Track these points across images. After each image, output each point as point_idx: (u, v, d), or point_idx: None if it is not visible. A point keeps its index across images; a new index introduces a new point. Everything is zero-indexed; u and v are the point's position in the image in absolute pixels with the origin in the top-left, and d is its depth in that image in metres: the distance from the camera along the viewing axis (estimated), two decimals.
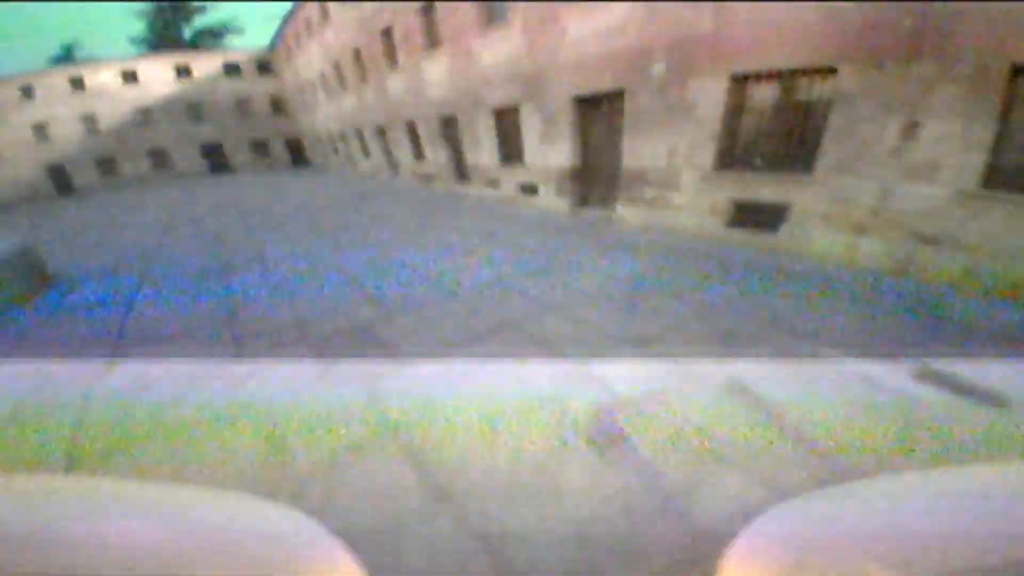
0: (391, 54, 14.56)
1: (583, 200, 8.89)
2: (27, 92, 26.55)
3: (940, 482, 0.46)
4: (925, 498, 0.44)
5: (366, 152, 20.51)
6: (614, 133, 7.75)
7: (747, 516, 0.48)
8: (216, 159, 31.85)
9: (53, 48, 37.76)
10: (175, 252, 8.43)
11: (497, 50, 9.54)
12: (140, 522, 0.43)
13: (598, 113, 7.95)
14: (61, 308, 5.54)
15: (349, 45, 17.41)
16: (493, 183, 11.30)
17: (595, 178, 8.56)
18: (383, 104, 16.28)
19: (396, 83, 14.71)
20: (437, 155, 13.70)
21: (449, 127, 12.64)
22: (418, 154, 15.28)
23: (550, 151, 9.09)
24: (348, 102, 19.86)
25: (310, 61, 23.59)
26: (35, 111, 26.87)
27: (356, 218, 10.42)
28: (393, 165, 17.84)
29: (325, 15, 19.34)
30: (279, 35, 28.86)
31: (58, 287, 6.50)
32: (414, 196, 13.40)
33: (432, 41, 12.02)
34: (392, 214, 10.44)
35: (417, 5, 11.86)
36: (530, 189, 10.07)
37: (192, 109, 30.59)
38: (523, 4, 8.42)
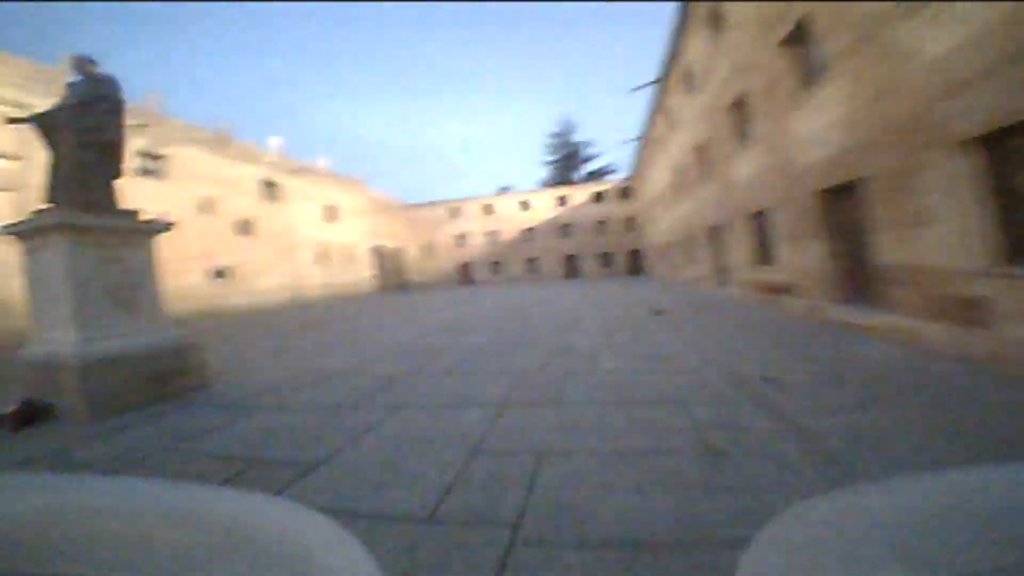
0: (742, 126, 9.67)
1: None
2: (454, 212, 37.33)
3: (957, 482, 0.44)
4: (942, 498, 0.42)
5: (691, 258, 15.62)
6: None
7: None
8: (571, 266, 34.99)
9: (495, 187, 52.69)
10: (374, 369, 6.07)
11: None
12: (151, 521, 0.40)
13: None
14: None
15: (691, 143, 13.79)
16: (982, 308, 3.54)
17: None
18: (722, 199, 11.15)
19: (745, 165, 9.25)
20: (801, 254, 6.92)
21: (843, 201, 5.85)
22: (762, 256, 9.01)
23: None
24: (682, 208, 16.00)
25: (654, 178, 22.25)
26: (458, 225, 37.16)
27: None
28: (721, 271, 12.02)
29: (669, 120, 16.99)
30: (634, 162, 30.02)
31: (194, 400, 4.24)
32: (751, 318, 7.04)
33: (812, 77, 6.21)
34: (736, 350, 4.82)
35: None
36: None
37: (562, 228, 35.06)
38: None
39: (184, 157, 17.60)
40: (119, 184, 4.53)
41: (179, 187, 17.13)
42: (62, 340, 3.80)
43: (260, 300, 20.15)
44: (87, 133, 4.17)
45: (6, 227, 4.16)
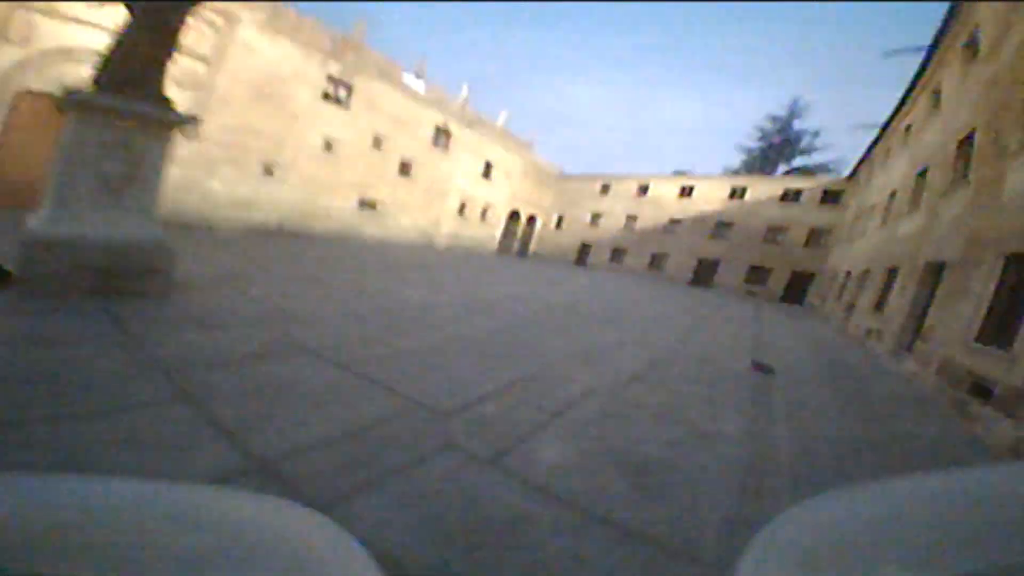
0: None
1: None
2: (604, 188, 34.43)
3: (957, 482, 0.44)
4: (942, 498, 0.41)
5: (874, 301, 10.73)
6: None
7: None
8: (702, 273, 28.99)
9: (669, 169, 42.31)
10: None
11: None
12: (151, 521, 0.40)
13: None
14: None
15: (951, 134, 9.01)
16: None
17: None
18: (969, 219, 6.97)
19: None
20: None
21: None
22: (994, 328, 5.17)
23: None
24: (901, 227, 11.02)
25: (881, 182, 16.06)
26: (601, 203, 34.32)
27: None
28: (905, 332, 7.84)
29: (928, 102, 11.50)
30: (861, 159, 22.40)
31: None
32: (909, 432, 4.16)
33: None
34: None
35: None
36: None
37: (718, 227, 28.99)
38: None
39: (371, 90, 19.45)
40: (166, 71, 4.43)
41: (358, 118, 19.18)
42: (38, 215, 3.96)
43: (392, 236, 22.23)
44: (147, 13, 4.10)
45: (55, 100, 4.26)
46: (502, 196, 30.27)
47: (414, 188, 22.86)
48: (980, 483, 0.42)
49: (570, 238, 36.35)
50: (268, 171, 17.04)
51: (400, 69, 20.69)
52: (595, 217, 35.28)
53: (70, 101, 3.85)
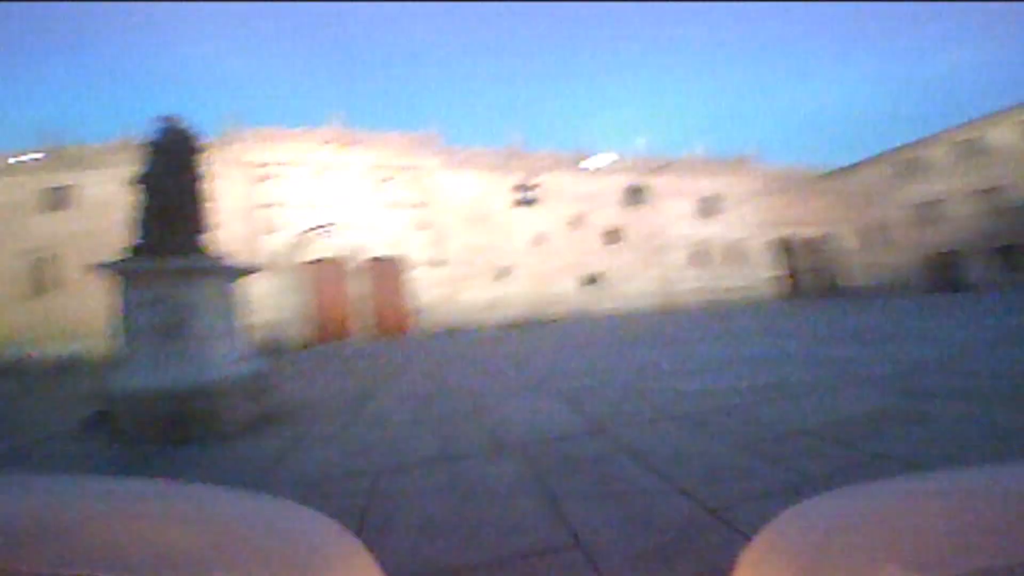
0: None
1: None
2: (910, 164, 23.05)
3: (959, 482, 0.45)
4: (944, 498, 0.43)
5: None
6: None
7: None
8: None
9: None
10: None
11: None
12: (151, 521, 0.41)
13: None
14: None
15: None
16: None
17: None
18: None
19: None
20: None
21: None
22: None
23: None
24: None
25: None
26: (916, 186, 22.91)
27: None
28: None
29: None
30: None
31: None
32: None
33: None
34: None
35: None
36: None
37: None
38: None
39: (552, 183, 21.27)
40: (196, 223, 4.78)
41: (551, 208, 20.64)
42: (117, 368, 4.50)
43: (628, 305, 20.49)
44: (155, 189, 4.62)
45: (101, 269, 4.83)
46: (745, 227, 24.70)
47: (627, 251, 21.69)
48: (981, 483, 0.42)
49: (904, 251, 24.94)
50: (500, 275, 19.15)
51: (576, 156, 21.70)
52: (924, 207, 24.23)
53: (111, 269, 4.49)
